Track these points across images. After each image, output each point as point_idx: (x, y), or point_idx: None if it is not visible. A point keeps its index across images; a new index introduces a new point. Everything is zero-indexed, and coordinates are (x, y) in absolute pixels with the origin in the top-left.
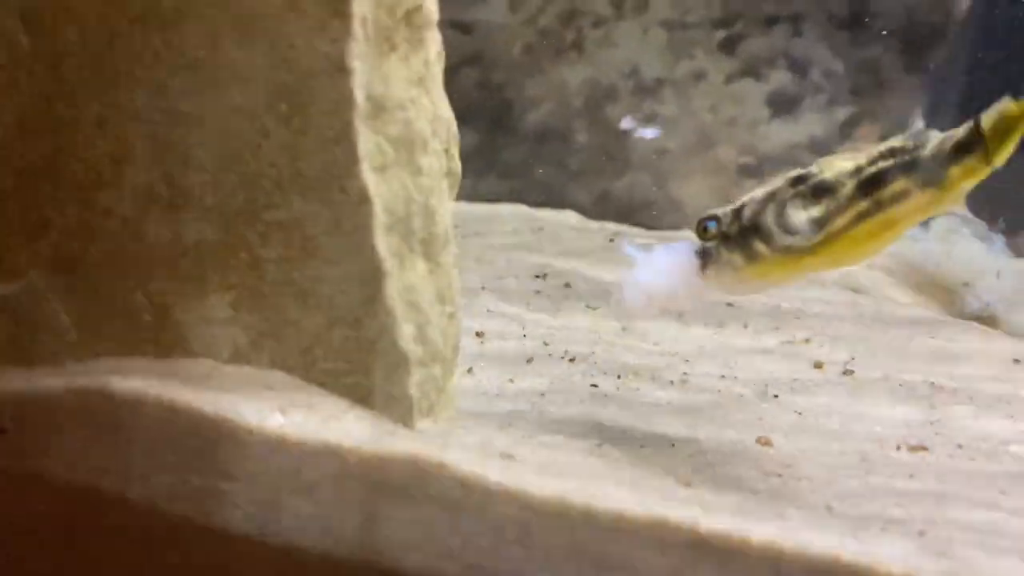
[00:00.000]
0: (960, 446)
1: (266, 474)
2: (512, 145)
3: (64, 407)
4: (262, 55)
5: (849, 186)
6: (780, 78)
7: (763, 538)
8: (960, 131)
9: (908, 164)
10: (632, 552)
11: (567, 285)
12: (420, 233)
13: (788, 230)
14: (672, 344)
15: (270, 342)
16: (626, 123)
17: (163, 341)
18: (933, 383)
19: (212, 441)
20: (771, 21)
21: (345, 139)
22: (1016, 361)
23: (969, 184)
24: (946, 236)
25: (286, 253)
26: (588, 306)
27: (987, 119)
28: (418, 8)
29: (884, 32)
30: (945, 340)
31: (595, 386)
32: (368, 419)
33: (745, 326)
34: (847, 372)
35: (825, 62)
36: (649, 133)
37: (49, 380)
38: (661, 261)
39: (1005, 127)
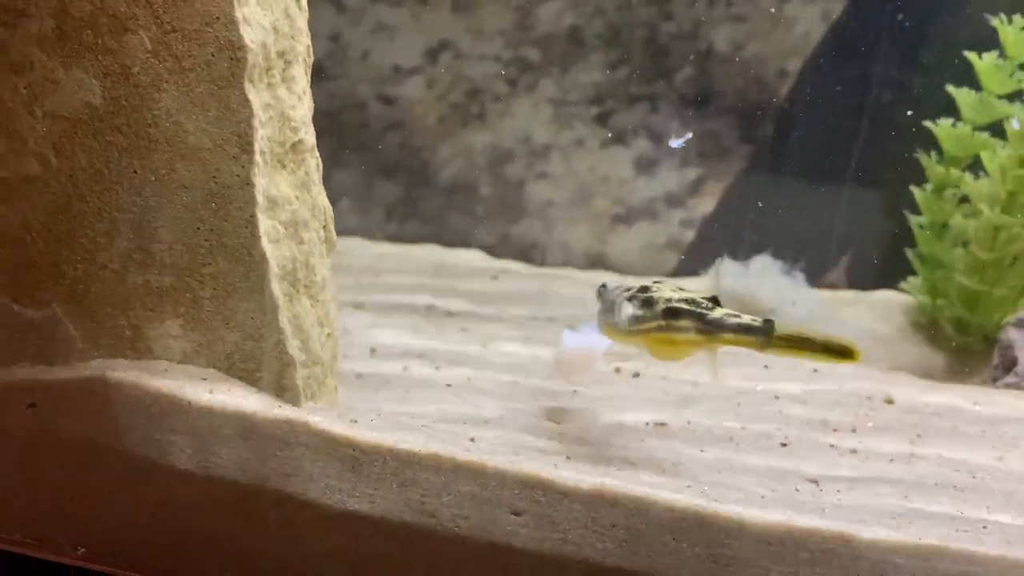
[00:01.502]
0: (689, 422)
1: (200, 430)
2: (429, 196)
3: (75, 389)
4: (200, 174)
5: (660, 307)
6: (642, 145)
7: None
8: (748, 318)
9: (696, 315)
10: (418, 474)
11: (448, 313)
12: (304, 280)
13: (620, 317)
14: (515, 358)
15: (206, 351)
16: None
17: (138, 348)
18: (693, 382)
19: (167, 409)
20: (634, 100)
21: (251, 224)
22: (765, 367)
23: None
24: (761, 272)
25: (215, 293)
26: (461, 328)
27: (785, 328)
28: (300, 141)
29: (722, 109)
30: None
31: (449, 385)
32: (266, 399)
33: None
34: (635, 375)
35: (676, 132)
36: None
37: (64, 373)
38: (578, 341)
39: (794, 343)
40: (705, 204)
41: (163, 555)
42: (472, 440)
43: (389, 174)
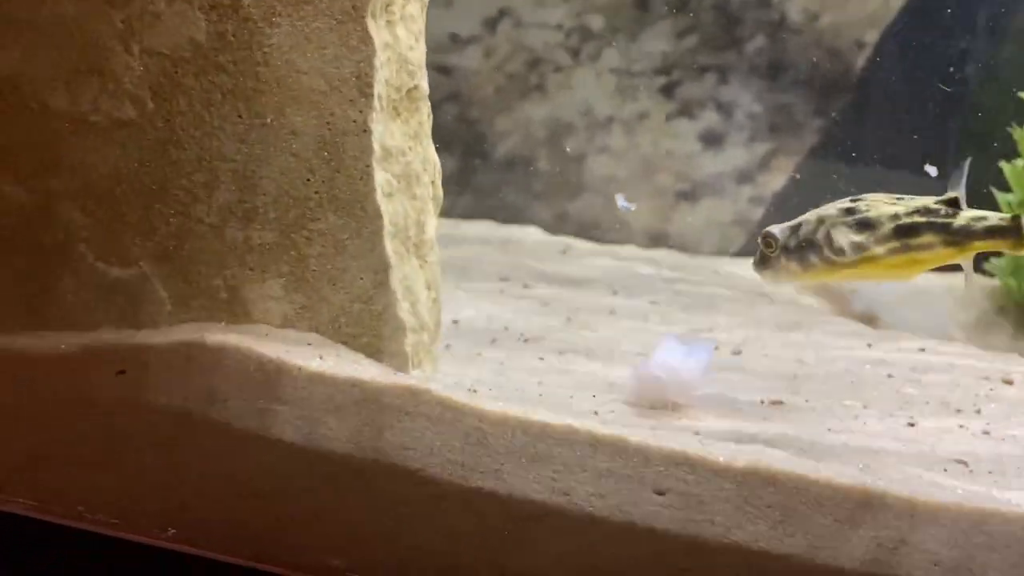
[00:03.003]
0: (807, 401)
1: (309, 399)
2: (485, 170)
3: (169, 354)
4: (312, 119)
5: (888, 227)
6: (710, 118)
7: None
8: (995, 218)
9: (939, 226)
10: (551, 449)
11: (525, 286)
12: (414, 239)
13: (835, 250)
14: (604, 330)
15: (309, 313)
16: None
17: (234, 311)
18: (799, 359)
19: (272, 376)
20: (702, 71)
21: (366, 175)
22: (869, 345)
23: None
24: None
25: (323, 251)
26: (542, 303)
27: None
28: (416, 87)
29: (796, 81)
30: (819, 331)
31: (541, 359)
32: (377, 365)
33: (663, 318)
34: (736, 352)
35: (747, 105)
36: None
37: (156, 337)
38: (665, 363)
39: None
40: (775, 180)
41: (263, 536)
42: (596, 413)
43: (444, 147)
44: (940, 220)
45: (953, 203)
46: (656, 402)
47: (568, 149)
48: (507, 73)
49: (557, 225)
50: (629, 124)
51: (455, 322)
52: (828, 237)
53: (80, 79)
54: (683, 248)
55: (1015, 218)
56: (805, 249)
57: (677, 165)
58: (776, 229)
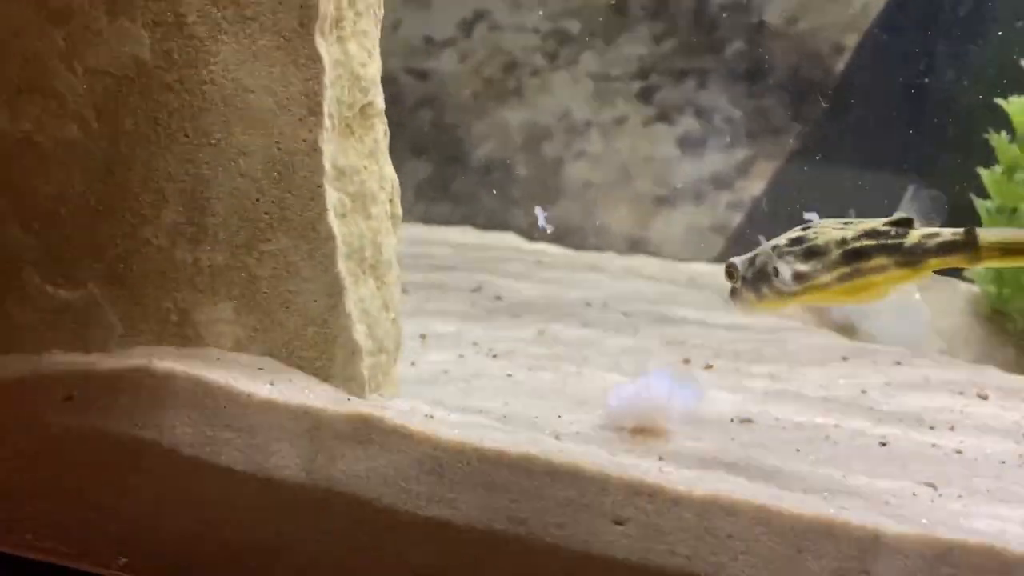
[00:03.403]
0: (777, 419)
1: (259, 426)
2: (462, 176)
3: (117, 380)
4: (261, 138)
5: (836, 253)
6: (688, 123)
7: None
8: (948, 234)
9: (890, 247)
10: (510, 477)
11: (497, 298)
12: (370, 260)
13: (781, 281)
14: (575, 344)
15: (262, 336)
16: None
17: (185, 335)
18: (771, 375)
19: (221, 403)
20: (681, 75)
21: (317, 195)
22: (844, 359)
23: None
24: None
25: (275, 273)
26: (512, 315)
27: (992, 235)
28: (370, 103)
29: (775, 85)
30: (794, 344)
31: (510, 375)
32: (331, 390)
33: (636, 331)
34: (707, 367)
35: (725, 110)
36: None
37: (104, 362)
38: (641, 391)
39: (1009, 249)
40: (754, 186)
41: (215, 566)
42: (557, 438)
43: (420, 152)
44: (891, 241)
45: (905, 223)
46: (629, 424)
47: (547, 154)
48: (484, 77)
49: (535, 231)
50: (607, 129)
51: (423, 336)
52: (775, 268)
53: (22, 98)
54: (662, 254)
55: (968, 231)
56: (759, 280)
57: (655, 170)
58: (738, 260)
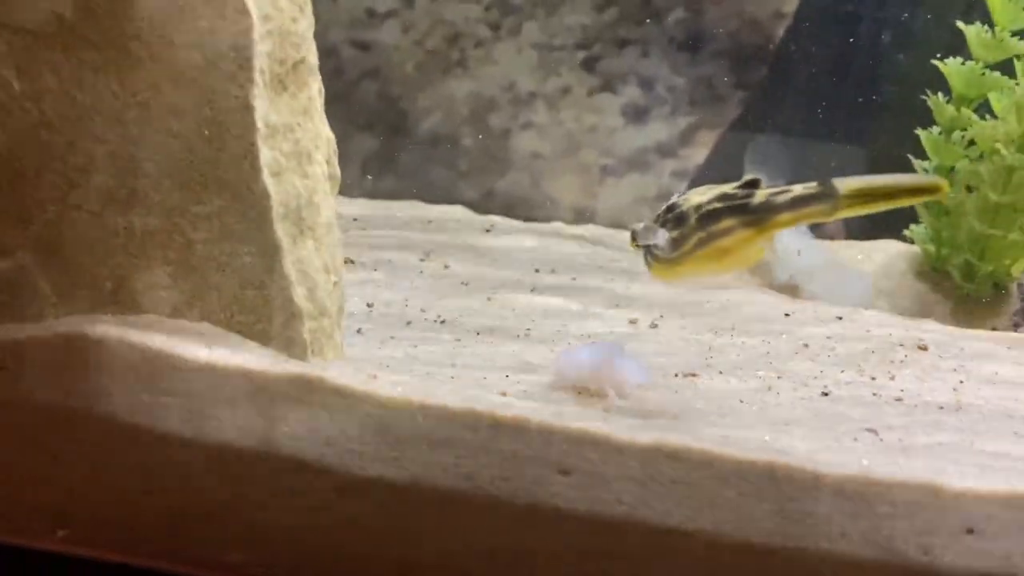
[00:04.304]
0: (721, 373)
1: (198, 391)
2: (408, 149)
3: (49, 349)
4: (191, 96)
5: (693, 218)
6: (631, 92)
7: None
8: (800, 188)
9: (736, 208)
10: (452, 432)
11: (446, 267)
12: (308, 220)
13: (659, 248)
14: (524, 309)
15: (199, 302)
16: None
17: (120, 302)
18: (715, 331)
19: (159, 369)
20: (623, 44)
21: (250, 154)
22: (787, 315)
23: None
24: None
25: (210, 236)
26: (461, 283)
27: (851, 184)
28: (302, 60)
29: (715, 53)
30: (738, 303)
31: (458, 340)
32: (270, 354)
33: (584, 293)
34: (653, 326)
35: (668, 79)
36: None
37: (37, 331)
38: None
39: (867, 197)
40: (698, 154)
41: (157, 534)
42: (504, 395)
43: (364, 126)
44: (737, 202)
45: (753, 184)
46: (576, 385)
47: (493, 126)
48: (427, 49)
49: (484, 203)
50: (552, 99)
51: (369, 305)
52: (656, 239)
53: None
54: (608, 223)
55: (824, 182)
56: (648, 247)
57: (601, 140)
58: (638, 226)
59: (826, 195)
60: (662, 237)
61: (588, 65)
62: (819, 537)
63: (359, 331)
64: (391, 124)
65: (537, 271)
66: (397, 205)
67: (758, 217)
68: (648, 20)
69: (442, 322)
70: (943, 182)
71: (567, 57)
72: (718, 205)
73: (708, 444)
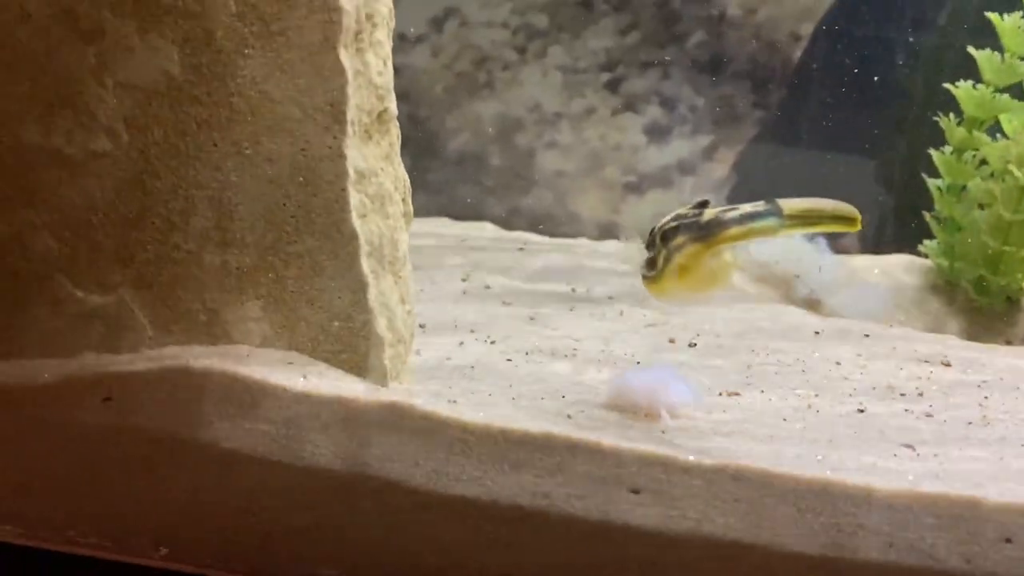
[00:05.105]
0: (762, 391)
1: (295, 418)
2: (437, 168)
3: (155, 380)
4: (287, 146)
5: (658, 238)
6: (654, 112)
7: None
8: (748, 207)
9: (687, 225)
10: (531, 454)
11: (487, 287)
12: (388, 257)
13: (642, 267)
14: (566, 329)
15: (288, 333)
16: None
17: (213, 334)
18: (752, 349)
19: (257, 397)
20: (645, 66)
21: (341, 199)
22: (816, 333)
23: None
24: (784, 238)
25: (300, 273)
26: (503, 302)
27: (794, 204)
28: (385, 110)
29: (735, 74)
30: (769, 319)
31: (509, 360)
32: (360, 381)
33: (621, 313)
34: (692, 344)
35: (689, 99)
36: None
37: (140, 364)
38: (642, 379)
39: (807, 218)
40: (718, 170)
41: (254, 551)
42: (569, 417)
43: None
44: (689, 220)
45: (703, 204)
46: (631, 406)
47: (519, 145)
48: (456, 72)
49: (510, 220)
50: (576, 119)
51: (422, 326)
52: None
53: (53, 113)
54: (632, 239)
55: (770, 201)
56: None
57: (624, 158)
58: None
59: (771, 213)
60: (642, 257)
61: (612, 86)
62: (870, 548)
63: (418, 352)
64: (420, 144)
65: (573, 290)
66: (427, 222)
67: (706, 233)
68: (670, 43)
69: (492, 343)
70: (857, 215)
71: (591, 79)
72: (673, 224)
73: (767, 464)
